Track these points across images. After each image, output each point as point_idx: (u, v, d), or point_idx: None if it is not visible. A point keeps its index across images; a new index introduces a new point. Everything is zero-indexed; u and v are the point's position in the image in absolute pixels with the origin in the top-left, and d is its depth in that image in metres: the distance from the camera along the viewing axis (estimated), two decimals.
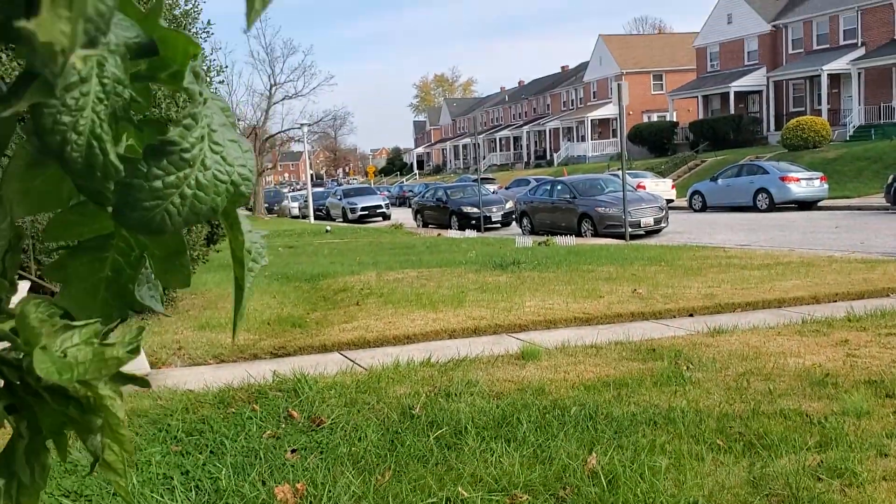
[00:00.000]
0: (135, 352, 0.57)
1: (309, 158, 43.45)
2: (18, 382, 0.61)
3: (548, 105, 67.91)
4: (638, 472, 3.38)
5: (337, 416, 4.39)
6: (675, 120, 48.90)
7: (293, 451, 3.85)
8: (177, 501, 3.26)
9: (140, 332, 0.58)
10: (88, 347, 0.55)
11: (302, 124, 39.29)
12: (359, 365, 5.96)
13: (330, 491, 3.29)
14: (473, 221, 24.35)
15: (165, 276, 0.64)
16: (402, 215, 32.83)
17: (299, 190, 58.53)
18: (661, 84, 56.54)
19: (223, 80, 9.94)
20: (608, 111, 54.25)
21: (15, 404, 0.61)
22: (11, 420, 0.62)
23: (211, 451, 3.88)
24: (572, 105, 63.42)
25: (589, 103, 59.88)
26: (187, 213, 0.53)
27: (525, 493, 3.26)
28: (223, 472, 3.55)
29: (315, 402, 4.66)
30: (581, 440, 3.88)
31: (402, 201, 46.87)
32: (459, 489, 3.29)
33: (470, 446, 3.84)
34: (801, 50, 42.19)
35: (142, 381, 0.62)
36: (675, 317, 7.58)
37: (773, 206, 23.76)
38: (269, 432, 4.15)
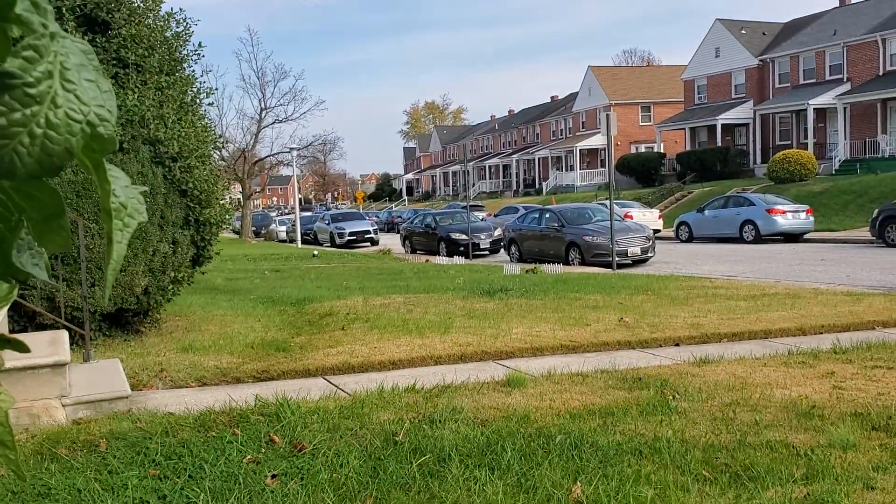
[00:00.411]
0: (9, 293, 0.55)
1: (298, 183, 43.48)
2: None
3: (537, 134, 68.36)
4: (623, 502, 3.33)
5: (319, 442, 4.32)
6: (662, 151, 49.29)
7: (273, 476, 3.78)
8: None
9: (12, 289, 0.57)
10: None
11: (291, 148, 39.30)
12: (343, 390, 5.89)
13: None
14: (462, 248, 24.34)
15: (44, 239, 0.61)
16: (391, 241, 32.82)
17: (287, 214, 58.43)
18: (649, 115, 57.08)
19: (212, 102, 9.98)
20: (597, 141, 54.63)
21: None
22: None
23: (190, 476, 3.80)
24: (561, 134, 63.88)
25: (578, 133, 60.33)
26: (39, 154, 0.51)
27: None
28: (201, 497, 3.48)
29: (297, 428, 4.60)
30: (566, 469, 3.83)
31: (390, 227, 46.88)
32: None
33: (453, 474, 3.79)
34: (788, 84, 42.74)
35: (17, 344, 0.59)
36: (661, 346, 7.56)
37: (760, 238, 23.90)
38: (249, 457, 4.08)
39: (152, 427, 4.61)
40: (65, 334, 5.93)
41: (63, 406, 5.04)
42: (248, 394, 5.51)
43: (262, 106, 43.40)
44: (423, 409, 5.13)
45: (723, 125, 44.56)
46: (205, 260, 8.84)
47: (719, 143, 44.43)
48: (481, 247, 24.77)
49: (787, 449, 4.13)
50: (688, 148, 47.37)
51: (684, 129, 48.56)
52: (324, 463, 3.96)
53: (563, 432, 4.44)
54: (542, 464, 3.90)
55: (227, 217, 9.23)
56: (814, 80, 40.94)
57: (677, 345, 7.58)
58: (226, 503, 3.40)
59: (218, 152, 10.00)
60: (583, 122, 60.10)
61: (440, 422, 4.77)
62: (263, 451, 4.21)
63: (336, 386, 6.08)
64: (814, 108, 38.76)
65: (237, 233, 44.01)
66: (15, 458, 0.59)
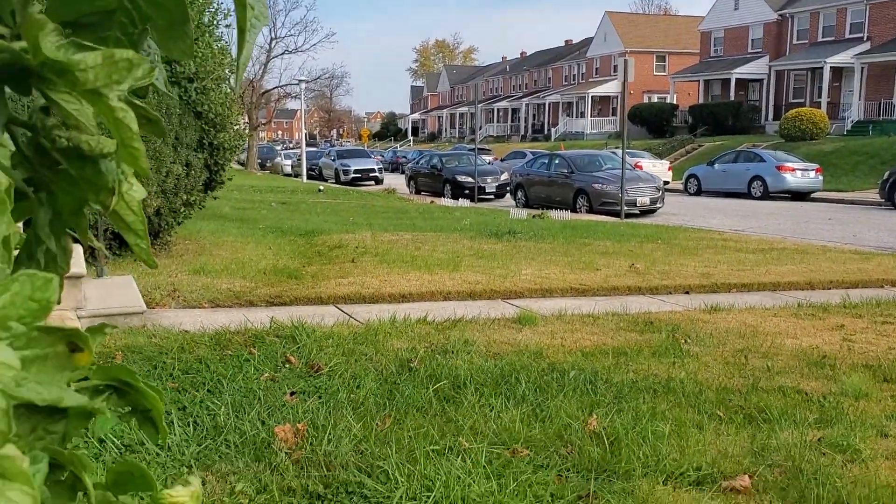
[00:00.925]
0: (151, 72, 0.55)
1: (304, 117, 43.07)
2: (34, 154, 0.60)
3: (549, 78, 67.42)
4: (640, 435, 3.36)
5: (335, 365, 4.35)
6: (675, 102, 48.74)
7: (292, 393, 3.81)
8: (175, 436, 3.22)
9: (154, 68, 0.57)
10: (96, 52, 0.53)
11: (300, 80, 38.82)
12: (355, 319, 5.92)
13: (331, 433, 3.26)
14: (467, 191, 24.22)
15: (169, 46, 0.62)
16: (395, 181, 32.67)
17: (292, 148, 58.06)
18: (664, 65, 56.23)
19: (230, 24, 9.87)
20: (609, 88, 53.95)
21: (32, 178, 0.61)
22: (30, 192, 0.61)
23: (208, 390, 3.84)
24: (574, 80, 63.00)
25: (591, 79, 59.51)
26: None
27: (526, 449, 3.25)
28: (222, 410, 3.51)
29: (313, 351, 4.63)
30: (581, 402, 3.86)
31: (395, 167, 46.54)
32: (461, 440, 3.27)
33: (469, 401, 3.82)
34: (806, 41, 42.00)
35: (153, 121, 0.59)
36: (671, 293, 7.57)
37: (767, 195, 23.79)
38: (266, 375, 4.12)
39: (168, 343, 4.64)
40: (79, 248, 5.93)
41: (78, 318, 5.07)
42: (262, 317, 5.54)
43: (273, 35, 42.77)
44: (436, 340, 5.15)
45: (737, 79, 43.94)
46: (216, 185, 8.80)
47: (732, 98, 43.89)
48: (487, 190, 24.64)
49: (800, 395, 4.16)
50: (701, 101, 46.80)
51: (698, 81, 47.89)
52: (341, 384, 3.99)
53: (576, 368, 4.47)
54: (556, 396, 3.93)
55: (240, 143, 9.15)
56: (833, 38, 40.21)
57: (687, 293, 7.60)
58: (247, 416, 3.44)
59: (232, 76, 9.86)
60: (596, 69, 59.24)
61: (453, 352, 4.80)
62: (280, 370, 4.24)
63: (348, 315, 6.10)
64: (830, 67, 38.17)
65: (242, 164, 43.78)
66: (146, 248, 0.60)
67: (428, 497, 2.73)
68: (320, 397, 3.78)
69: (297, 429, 3.23)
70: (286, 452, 3.07)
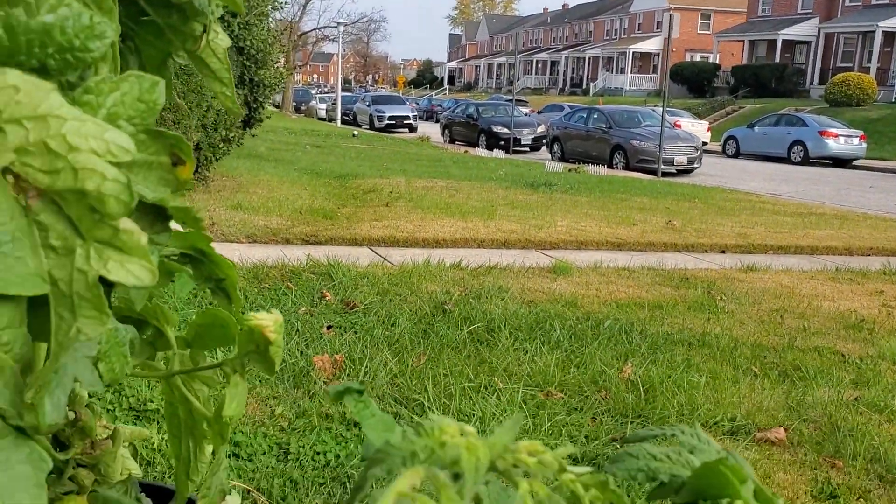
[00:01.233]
0: None
1: (339, 61, 42.79)
2: (119, 4, 0.60)
3: (590, 32, 66.15)
4: (675, 384, 3.37)
5: (370, 303, 4.39)
6: (717, 62, 47.64)
7: (329, 327, 3.86)
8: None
9: None
10: None
11: (339, 23, 38.46)
12: (389, 261, 5.95)
13: (367, 366, 3.31)
14: (502, 142, 24.02)
15: None
16: (429, 129, 32.49)
17: (327, 92, 57.84)
18: (709, 24, 54.87)
19: None
20: (651, 45, 52.88)
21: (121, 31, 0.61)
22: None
23: None
24: (615, 35, 61.76)
25: (633, 35, 58.30)
26: None
27: (560, 392, 3.27)
28: None
29: (348, 288, 4.67)
30: (616, 351, 3.87)
31: (429, 115, 46.23)
32: (495, 379, 3.30)
33: (503, 344, 3.84)
34: (859, 3, 40.63)
35: None
36: (707, 251, 7.50)
37: (807, 160, 23.32)
38: (304, 309, 4.17)
39: None
40: None
41: None
42: (299, 254, 5.58)
43: None
44: (470, 284, 5.17)
45: (784, 41, 42.75)
46: (255, 122, 8.81)
47: (777, 60, 42.76)
48: (522, 142, 24.42)
49: (836, 355, 4.12)
50: (745, 61, 45.66)
51: (743, 41, 46.69)
52: (376, 321, 4.03)
53: (611, 318, 4.47)
54: (591, 343, 3.94)
55: (280, 81, 9.13)
56: (887, 1, 38.85)
57: (723, 252, 7.52)
58: (286, 345, 3.49)
59: (275, 13, 9.79)
60: (639, 24, 57.98)
61: (487, 297, 4.81)
62: (317, 305, 4.29)
63: (382, 257, 6.14)
64: (883, 31, 36.95)
65: (277, 106, 43.74)
66: (231, 95, 0.61)
67: None
68: (356, 332, 3.83)
69: (334, 359, 3.28)
70: (324, 381, 3.12)
